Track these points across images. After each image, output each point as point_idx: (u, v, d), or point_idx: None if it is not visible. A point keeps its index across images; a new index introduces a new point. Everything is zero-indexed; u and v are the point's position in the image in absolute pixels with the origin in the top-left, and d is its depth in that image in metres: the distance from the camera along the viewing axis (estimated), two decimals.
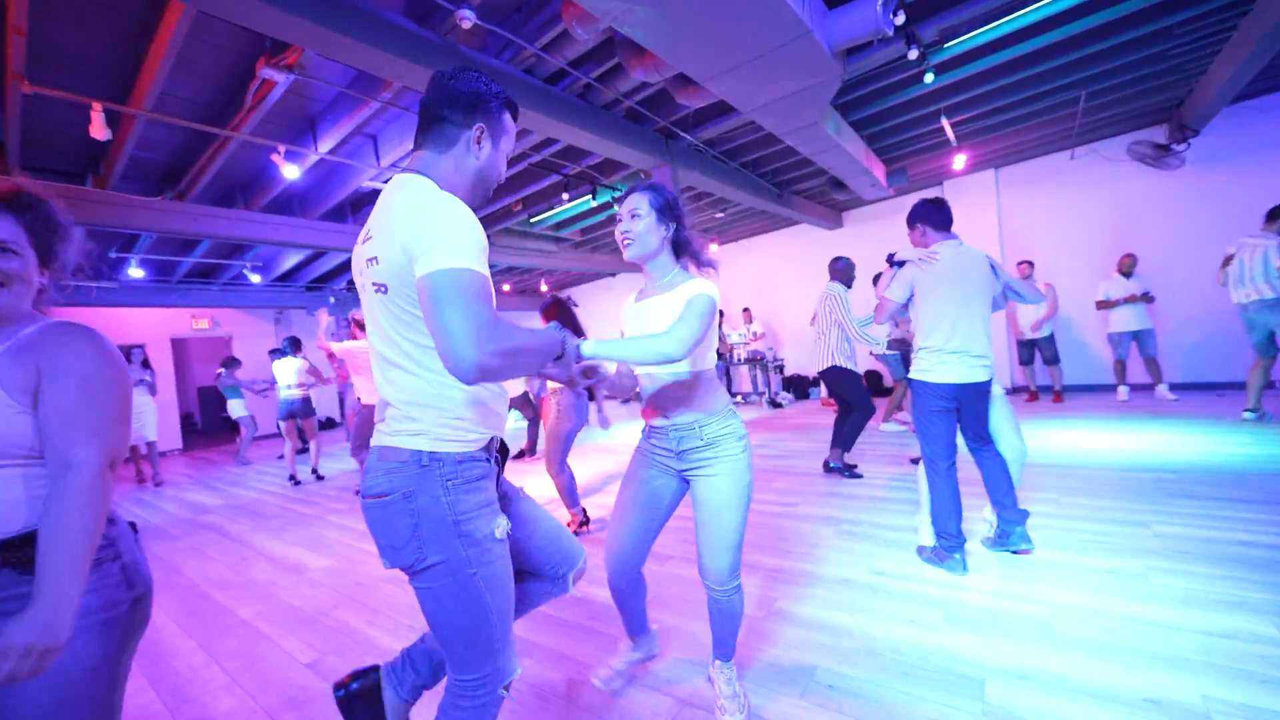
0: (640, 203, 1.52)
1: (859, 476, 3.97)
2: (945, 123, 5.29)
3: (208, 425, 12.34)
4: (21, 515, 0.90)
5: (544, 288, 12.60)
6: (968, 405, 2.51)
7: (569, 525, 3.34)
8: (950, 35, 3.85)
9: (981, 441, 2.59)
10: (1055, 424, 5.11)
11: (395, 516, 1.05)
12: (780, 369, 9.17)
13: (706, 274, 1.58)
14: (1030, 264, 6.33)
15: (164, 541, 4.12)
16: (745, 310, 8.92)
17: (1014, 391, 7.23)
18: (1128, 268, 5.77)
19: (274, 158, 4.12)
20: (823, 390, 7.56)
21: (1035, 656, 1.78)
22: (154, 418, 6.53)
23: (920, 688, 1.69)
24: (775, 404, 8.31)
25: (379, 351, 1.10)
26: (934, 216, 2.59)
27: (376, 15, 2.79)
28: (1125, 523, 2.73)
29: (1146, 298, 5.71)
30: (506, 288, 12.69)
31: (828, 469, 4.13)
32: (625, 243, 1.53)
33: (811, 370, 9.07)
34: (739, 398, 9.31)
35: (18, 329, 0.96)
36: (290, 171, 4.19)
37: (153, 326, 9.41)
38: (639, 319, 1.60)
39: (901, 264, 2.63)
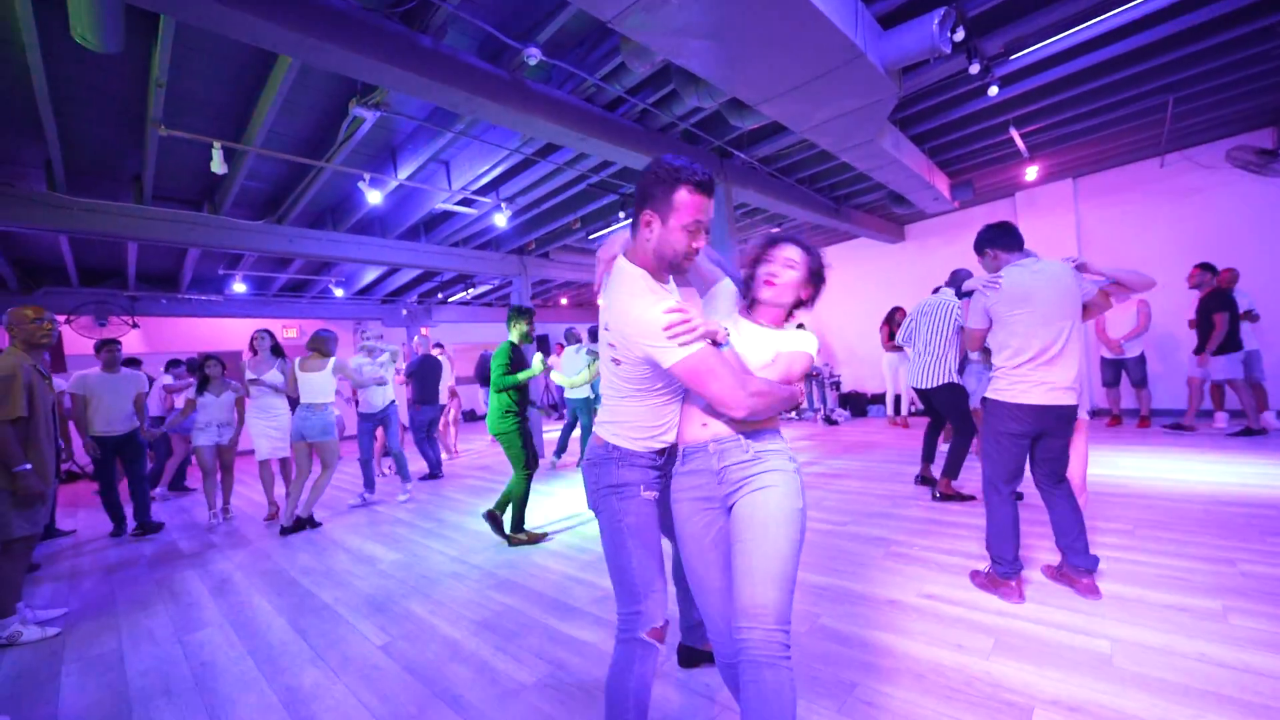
0: (797, 257, 1.49)
1: (971, 498, 3.73)
2: (1015, 134, 5.09)
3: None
4: None
5: (601, 302, 12.90)
6: (1048, 435, 2.36)
7: None
8: (1017, 47, 3.74)
9: (1055, 481, 2.44)
10: (1139, 451, 4.76)
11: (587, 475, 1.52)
12: (837, 385, 8.97)
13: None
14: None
15: (257, 529, 4.56)
16: (800, 326, 8.80)
17: (1095, 415, 6.76)
18: (1228, 283, 5.28)
19: (360, 185, 4.53)
20: (890, 408, 7.33)
21: (1091, 691, 1.73)
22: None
23: (963, 712, 1.68)
24: (831, 421, 8.14)
25: (607, 379, 1.50)
26: (1002, 240, 2.53)
27: (454, 58, 3.07)
28: (1207, 559, 2.55)
29: (1250, 316, 5.23)
30: (564, 301, 13.10)
31: (936, 498, 3.82)
32: (768, 284, 1.48)
33: (871, 387, 8.85)
34: (793, 413, 9.18)
35: None
36: (374, 197, 4.60)
37: (249, 334, 10.41)
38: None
39: (969, 293, 2.59)
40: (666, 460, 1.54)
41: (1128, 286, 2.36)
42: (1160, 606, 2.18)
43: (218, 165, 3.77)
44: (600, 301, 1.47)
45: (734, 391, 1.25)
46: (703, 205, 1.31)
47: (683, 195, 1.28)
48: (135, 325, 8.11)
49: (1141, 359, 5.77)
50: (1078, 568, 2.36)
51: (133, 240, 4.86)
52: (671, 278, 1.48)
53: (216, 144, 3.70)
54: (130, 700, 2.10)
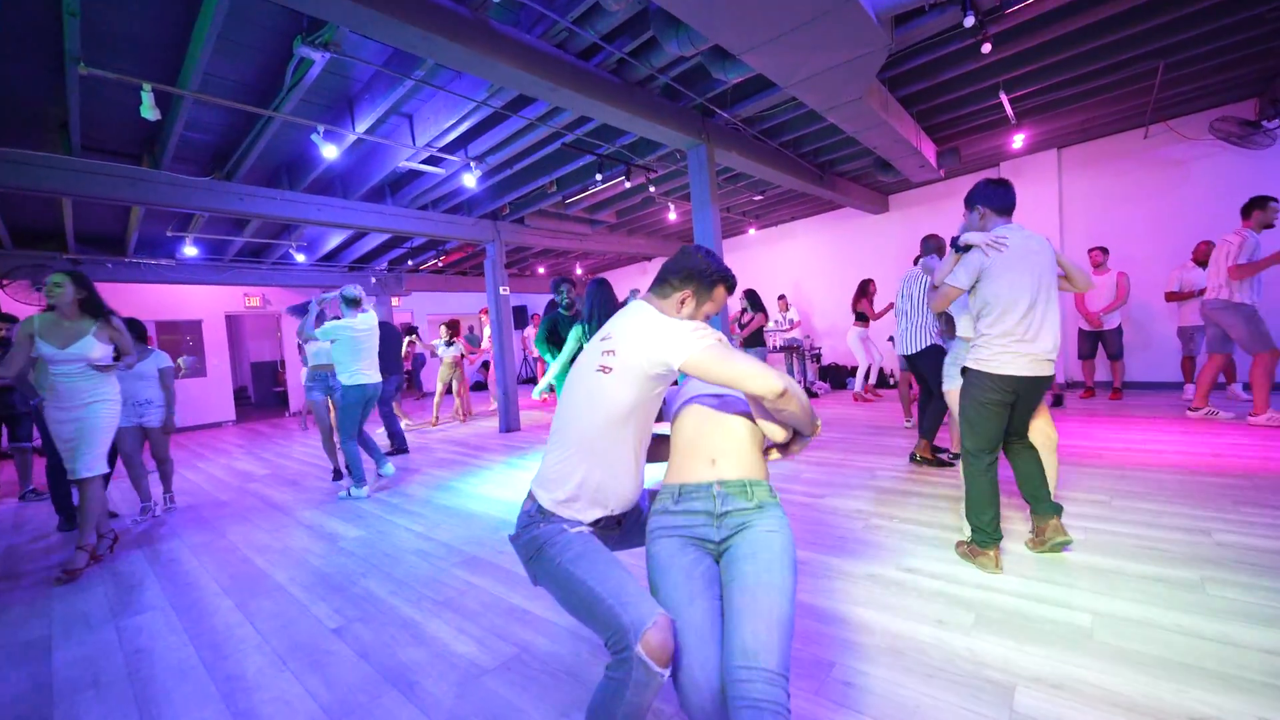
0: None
1: (951, 464, 3.77)
2: (1004, 98, 4.94)
3: (260, 398, 12.97)
4: None
5: (579, 271, 12.60)
6: (1024, 401, 2.36)
7: None
8: (1012, 1, 3.57)
9: (1019, 437, 2.47)
10: (1113, 423, 4.80)
11: None
12: (817, 358, 8.94)
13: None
14: (1104, 250, 5.83)
15: (211, 507, 4.34)
16: (781, 297, 8.69)
17: (1069, 387, 6.83)
18: (1204, 256, 5.28)
19: (314, 138, 4.19)
20: (859, 382, 7.28)
21: (1072, 666, 1.67)
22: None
23: (944, 691, 1.61)
24: (811, 393, 8.12)
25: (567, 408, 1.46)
26: (996, 198, 2.42)
27: None
28: (1183, 529, 2.54)
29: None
30: (542, 270, 12.77)
31: (914, 461, 3.95)
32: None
33: (851, 359, 8.84)
34: None
35: None
36: (329, 151, 4.27)
37: (210, 303, 9.92)
38: None
39: (967, 248, 2.44)
40: (604, 523, 1.48)
41: (1071, 281, 2.44)
42: (1138, 578, 2.15)
43: (149, 111, 3.41)
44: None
45: (754, 372, 1.28)
46: (723, 302, 1.57)
47: (720, 292, 1.54)
48: None
49: (1119, 331, 5.80)
50: (1045, 515, 2.39)
51: (63, 196, 4.45)
52: None
53: (147, 86, 3.35)
54: (54, 693, 1.93)
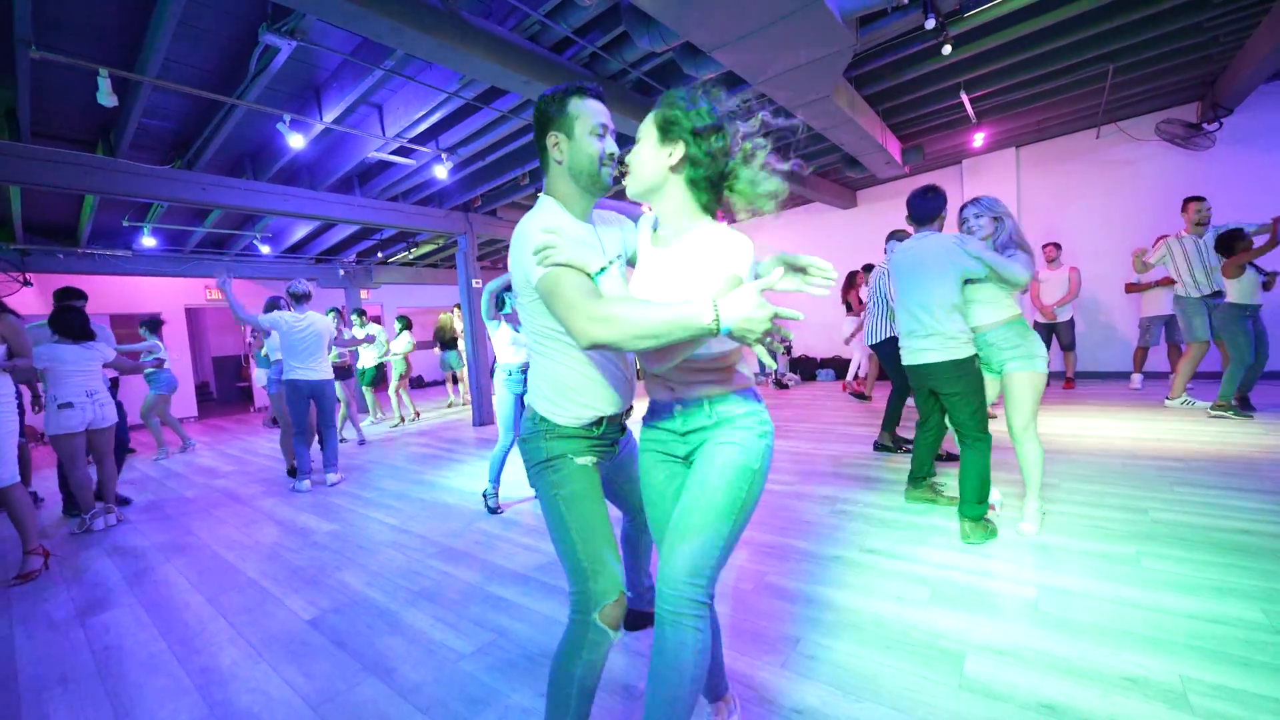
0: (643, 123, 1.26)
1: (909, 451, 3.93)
2: (965, 98, 5.12)
3: (223, 394, 12.59)
4: None
5: None
6: (936, 389, 2.68)
7: None
8: (971, 4, 3.71)
9: (958, 431, 2.61)
10: (1065, 411, 5.05)
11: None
12: (788, 350, 9.10)
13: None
14: (1057, 246, 6.08)
15: (178, 504, 4.25)
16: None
17: None
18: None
19: (280, 127, 4.10)
20: (850, 373, 7.32)
21: (1017, 635, 1.80)
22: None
23: (900, 660, 1.72)
24: (781, 384, 8.28)
25: (525, 329, 1.37)
26: (912, 209, 2.77)
27: None
28: (1124, 509, 2.72)
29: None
30: None
31: (877, 449, 4.14)
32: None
33: (820, 352, 9.03)
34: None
35: None
36: (295, 140, 4.18)
37: (168, 296, 9.56)
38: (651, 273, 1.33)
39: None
40: (605, 429, 1.38)
41: (1002, 280, 2.53)
42: (1081, 554, 2.30)
43: (105, 97, 3.31)
44: None
45: (573, 317, 1.08)
46: (600, 109, 1.29)
47: (577, 103, 1.27)
48: (28, 283, 7.27)
49: (1071, 323, 6.08)
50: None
51: (11, 184, 4.26)
52: (594, 216, 1.40)
53: (103, 71, 3.24)
54: (20, 691, 1.90)
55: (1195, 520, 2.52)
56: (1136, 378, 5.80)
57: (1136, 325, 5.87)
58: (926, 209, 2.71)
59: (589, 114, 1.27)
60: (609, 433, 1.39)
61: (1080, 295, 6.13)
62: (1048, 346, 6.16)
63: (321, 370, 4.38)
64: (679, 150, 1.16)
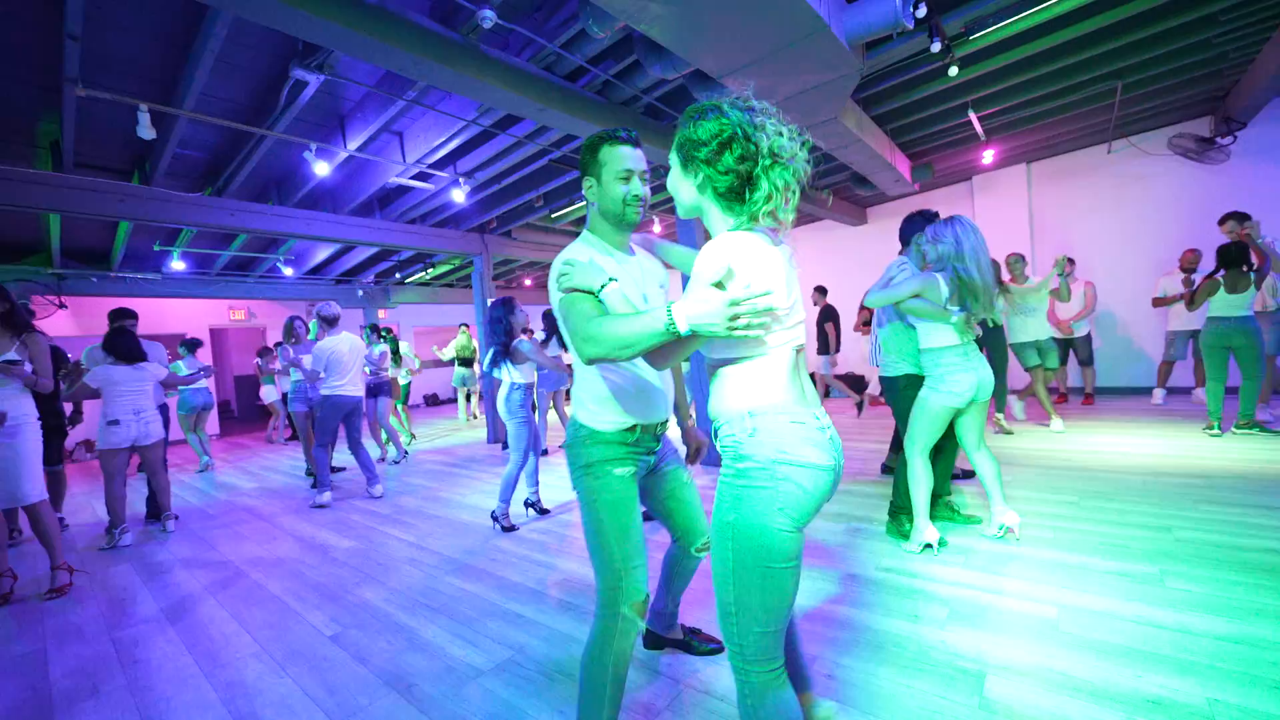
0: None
1: None
2: (973, 116, 5.17)
3: (244, 412, 12.82)
4: None
5: None
6: None
7: None
8: (976, 27, 3.76)
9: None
10: (1084, 427, 4.98)
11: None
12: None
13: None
14: (1071, 260, 5.89)
15: (201, 520, 4.33)
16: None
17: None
18: (1190, 264, 5.34)
19: (306, 155, 4.27)
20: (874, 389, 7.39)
21: (1038, 655, 1.78)
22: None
23: (918, 680, 1.71)
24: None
25: None
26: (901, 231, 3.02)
27: (402, 17, 2.88)
28: (1146, 527, 2.67)
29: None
30: (529, 282, 12.85)
31: (885, 471, 4.04)
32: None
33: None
34: None
35: None
36: (320, 168, 4.34)
37: (193, 317, 9.85)
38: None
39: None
40: (640, 436, 1.50)
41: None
42: (1102, 574, 2.27)
43: (145, 130, 3.48)
44: None
45: (572, 339, 1.23)
46: (629, 155, 1.44)
47: (607, 151, 1.43)
48: (62, 305, 7.55)
49: (1088, 338, 6.00)
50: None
51: (53, 212, 4.47)
52: (635, 249, 1.57)
53: (143, 106, 3.41)
54: (54, 702, 1.96)
55: (1221, 539, 2.47)
56: (1159, 393, 5.70)
57: (1160, 339, 5.77)
58: (902, 232, 3.00)
59: (616, 160, 1.43)
60: (644, 441, 1.52)
61: (1096, 310, 6.07)
62: (1064, 362, 6.18)
63: (358, 387, 4.57)
64: (700, 174, 1.16)
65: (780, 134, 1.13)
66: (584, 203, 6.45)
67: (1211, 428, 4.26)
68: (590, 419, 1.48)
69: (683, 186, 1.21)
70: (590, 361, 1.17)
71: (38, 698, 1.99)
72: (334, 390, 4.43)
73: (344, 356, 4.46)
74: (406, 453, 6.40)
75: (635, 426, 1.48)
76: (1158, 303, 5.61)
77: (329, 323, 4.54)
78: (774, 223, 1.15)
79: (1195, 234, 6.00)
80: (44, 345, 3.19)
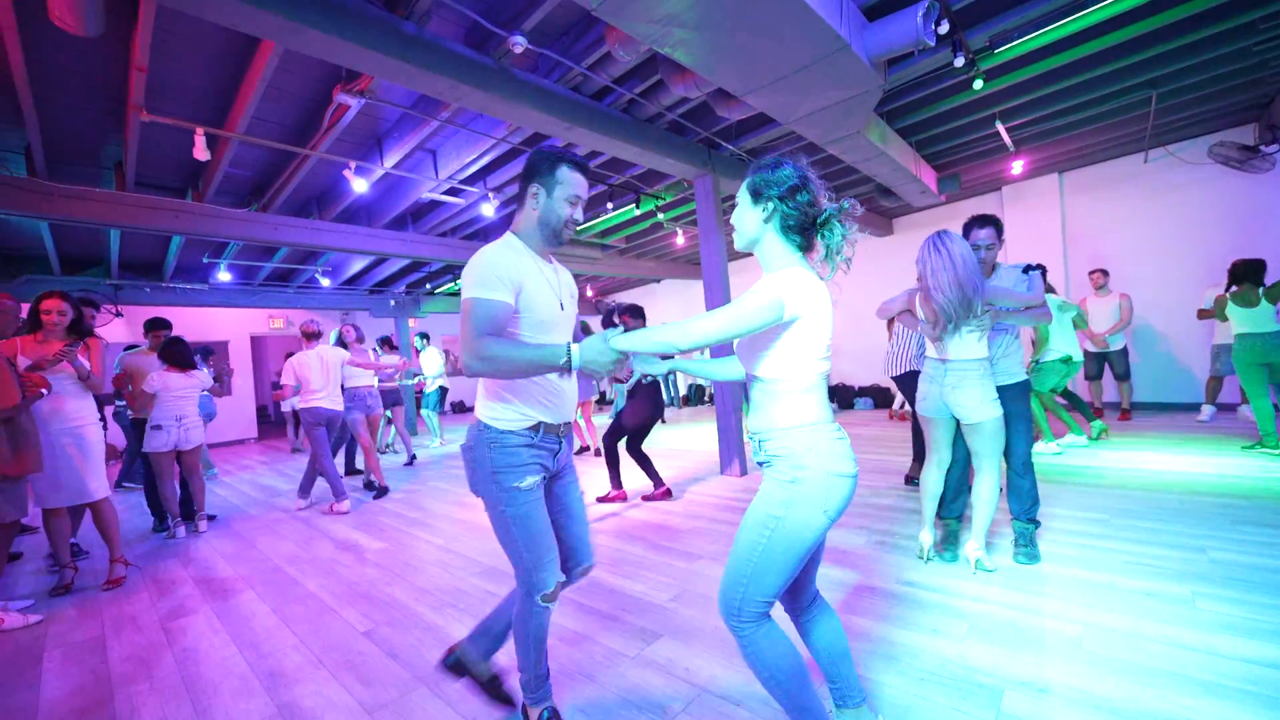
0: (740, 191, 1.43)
1: None
2: (1001, 128, 5.12)
3: (279, 417, 13.27)
4: None
5: (589, 293, 12.88)
6: None
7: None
8: (1001, 41, 3.76)
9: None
10: (1120, 443, 4.84)
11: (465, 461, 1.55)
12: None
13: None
14: (1104, 272, 5.81)
15: (242, 520, 4.55)
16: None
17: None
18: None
19: (345, 173, 4.49)
20: (896, 402, 7.35)
21: (1059, 672, 1.77)
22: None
23: (935, 693, 1.72)
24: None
25: None
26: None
27: (438, 45, 3.04)
28: (1179, 546, 2.61)
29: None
30: None
31: (909, 483, 4.03)
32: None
33: (859, 380, 8.91)
34: None
35: None
36: (359, 185, 4.56)
37: (236, 325, 10.32)
38: None
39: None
40: (543, 436, 1.51)
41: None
42: (1130, 592, 2.23)
43: (201, 152, 3.72)
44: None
45: (464, 347, 1.35)
46: (581, 183, 1.53)
47: (565, 171, 1.50)
48: (119, 314, 7.99)
49: (1124, 352, 5.81)
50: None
51: (114, 227, 4.79)
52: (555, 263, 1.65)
53: (199, 130, 3.66)
54: (113, 685, 2.10)
55: (1258, 561, 2.40)
56: (1207, 409, 5.47)
57: (1204, 353, 5.55)
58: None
59: (570, 184, 1.51)
60: (546, 441, 1.54)
61: (1133, 323, 5.89)
62: (1099, 376, 6.01)
63: (335, 401, 4.59)
64: (770, 206, 1.35)
65: (831, 199, 1.40)
66: (606, 216, 6.62)
67: (1260, 444, 4.10)
68: (493, 418, 1.48)
69: (748, 216, 1.39)
70: (473, 374, 1.34)
71: (98, 680, 2.15)
72: (309, 403, 4.48)
73: (313, 370, 4.50)
74: (414, 456, 6.56)
75: (539, 425, 1.50)
76: (1203, 314, 5.41)
77: (309, 337, 4.68)
78: (831, 262, 1.38)
79: (1240, 244, 5.80)
80: (104, 351, 3.42)
